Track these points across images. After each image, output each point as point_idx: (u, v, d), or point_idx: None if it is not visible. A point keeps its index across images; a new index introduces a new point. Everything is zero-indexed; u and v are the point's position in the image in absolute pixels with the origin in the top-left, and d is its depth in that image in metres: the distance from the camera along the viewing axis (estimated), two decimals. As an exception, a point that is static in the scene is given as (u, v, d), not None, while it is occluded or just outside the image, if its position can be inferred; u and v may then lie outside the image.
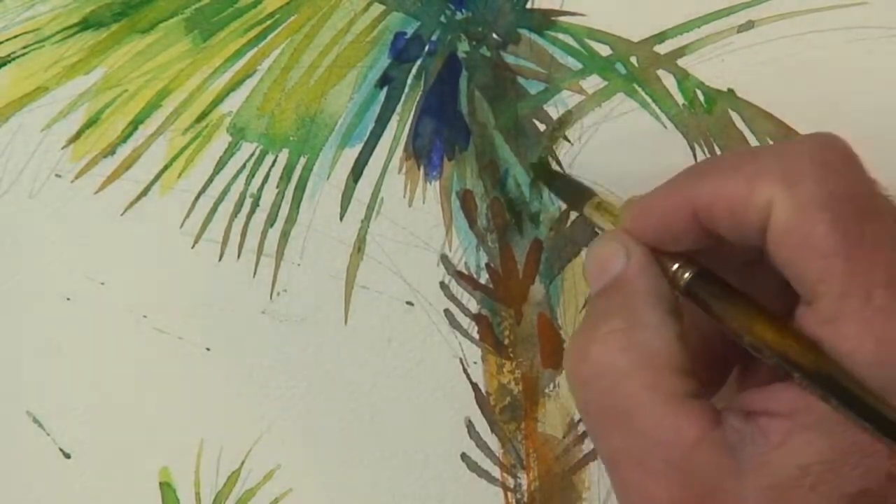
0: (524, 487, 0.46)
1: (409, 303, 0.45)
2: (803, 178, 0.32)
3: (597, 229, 0.39)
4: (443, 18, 0.44)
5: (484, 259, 0.45)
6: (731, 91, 0.44)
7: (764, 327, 0.33)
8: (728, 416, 0.33)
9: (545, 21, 0.44)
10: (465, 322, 0.45)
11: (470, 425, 0.45)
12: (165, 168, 0.44)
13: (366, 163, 0.45)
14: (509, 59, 0.44)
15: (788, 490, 0.32)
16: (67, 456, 0.45)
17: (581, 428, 0.45)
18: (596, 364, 0.34)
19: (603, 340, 0.34)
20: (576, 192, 0.42)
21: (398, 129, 0.45)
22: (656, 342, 0.34)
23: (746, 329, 0.34)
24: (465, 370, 0.45)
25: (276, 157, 0.45)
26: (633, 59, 0.44)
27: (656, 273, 0.36)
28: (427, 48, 0.44)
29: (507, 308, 0.45)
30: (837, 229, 0.32)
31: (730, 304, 0.34)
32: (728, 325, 0.34)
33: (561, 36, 0.44)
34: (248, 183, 0.45)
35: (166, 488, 0.46)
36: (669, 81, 0.44)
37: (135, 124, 0.44)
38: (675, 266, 0.36)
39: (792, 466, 0.32)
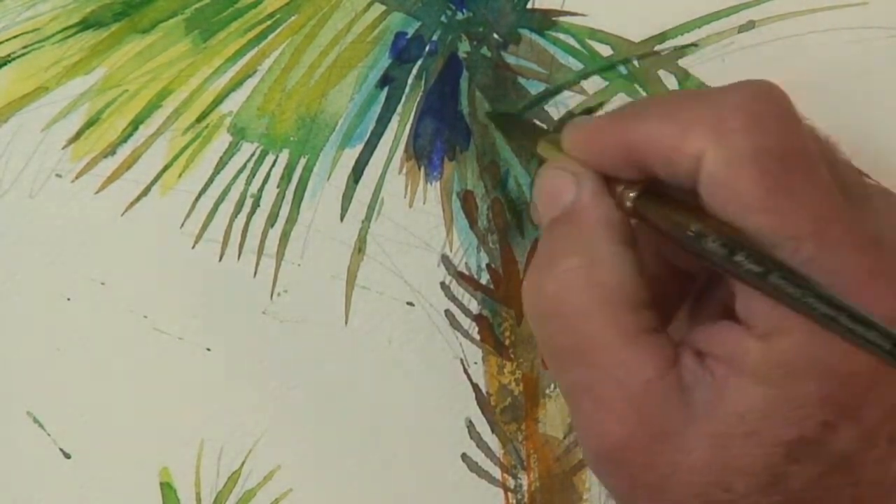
0: (525, 488, 0.46)
1: (409, 303, 0.45)
2: (733, 131, 0.33)
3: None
4: (444, 18, 0.44)
5: (485, 260, 0.45)
6: (731, 91, 0.44)
7: (712, 221, 0.33)
8: (683, 354, 0.34)
9: (546, 21, 0.44)
10: (466, 323, 0.45)
11: (470, 426, 0.45)
12: (166, 168, 0.44)
13: (366, 163, 0.45)
14: (510, 59, 0.44)
15: (727, 439, 0.32)
16: (68, 456, 0.45)
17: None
18: (553, 301, 0.34)
19: (561, 278, 0.34)
20: (529, 132, 0.41)
21: (399, 129, 0.45)
22: (614, 278, 0.34)
23: (695, 221, 0.33)
24: (465, 371, 0.45)
25: (277, 157, 0.44)
26: (634, 60, 0.44)
27: (608, 202, 0.35)
28: (428, 48, 0.44)
29: (508, 309, 0.45)
30: (763, 183, 0.32)
31: (677, 209, 0.34)
32: (677, 226, 0.34)
33: (562, 36, 0.44)
34: (248, 183, 0.45)
35: (167, 488, 0.45)
36: (671, 82, 0.44)
37: (135, 124, 0.44)
38: (621, 188, 0.35)
39: (731, 413, 0.32)
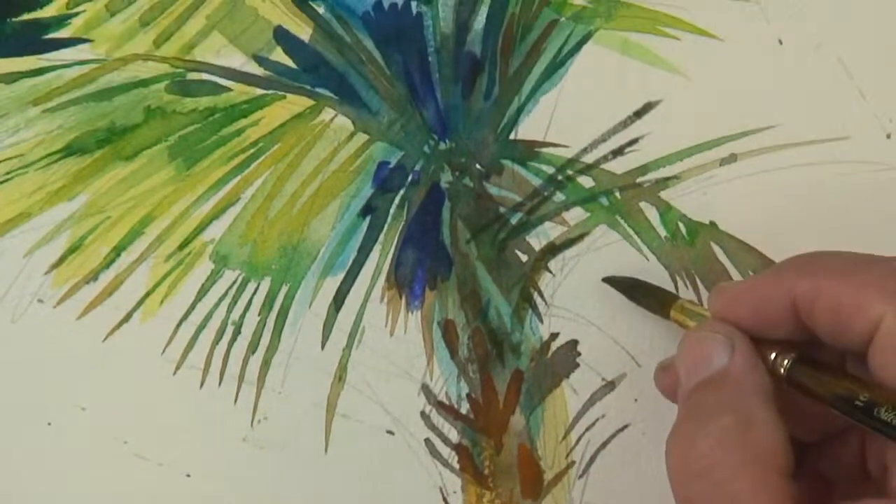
0: None
1: (389, 432, 0.45)
2: None
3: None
4: (426, 149, 0.44)
5: (465, 389, 0.45)
6: (713, 224, 0.44)
7: (881, 389, 0.33)
8: None
9: (528, 152, 0.44)
10: (446, 452, 0.45)
11: (450, 553, 0.45)
12: (147, 294, 0.45)
13: (348, 292, 0.45)
14: (492, 189, 0.45)
15: None
16: (46, 580, 0.45)
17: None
18: (705, 458, 0.34)
19: (714, 436, 0.34)
20: (658, 298, 0.42)
21: (380, 258, 0.45)
22: (769, 441, 0.34)
23: (861, 391, 0.33)
24: (445, 500, 0.45)
25: (259, 284, 0.45)
26: (616, 191, 0.44)
27: (762, 367, 0.35)
28: (410, 178, 0.45)
29: (488, 438, 0.45)
30: None
31: (837, 378, 0.34)
32: (841, 395, 0.34)
33: (544, 167, 0.44)
34: (230, 310, 0.45)
35: None
36: (652, 214, 0.44)
37: (117, 251, 0.44)
38: (774, 354, 0.36)
39: None
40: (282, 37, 0.44)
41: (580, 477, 0.45)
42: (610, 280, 0.44)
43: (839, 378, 0.34)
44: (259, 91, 0.44)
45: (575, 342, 0.45)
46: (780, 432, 0.34)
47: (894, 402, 0.33)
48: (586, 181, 0.44)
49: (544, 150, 0.44)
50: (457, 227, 0.45)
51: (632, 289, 0.44)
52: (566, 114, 0.44)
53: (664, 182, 0.44)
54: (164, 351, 0.45)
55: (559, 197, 0.45)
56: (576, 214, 0.45)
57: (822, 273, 0.35)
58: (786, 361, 0.35)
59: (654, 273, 0.44)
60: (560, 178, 0.44)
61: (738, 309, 0.36)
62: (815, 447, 0.39)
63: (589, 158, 0.44)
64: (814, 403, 0.36)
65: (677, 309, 0.40)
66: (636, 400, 0.45)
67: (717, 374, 0.35)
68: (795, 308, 0.35)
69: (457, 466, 0.45)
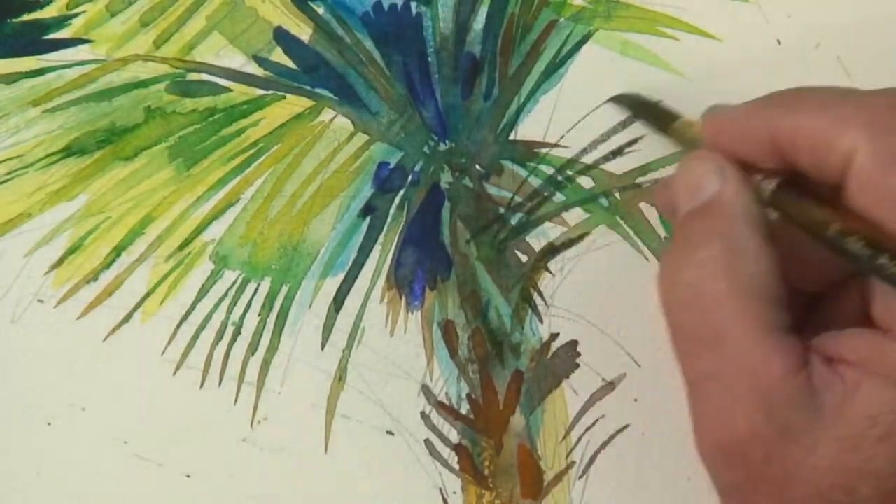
0: None
1: (389, 432, 0.45)
2: (888, 131, 0.33)
3: (681, 150, 0.39)
4: (426, 149, 0.45)
5: (465, 390, 0.45)
6: (713, 224, 0.44)
7: (856, 220, 0.33)
8: (813, 358, 0.33)
9: (528, 152, 0.44)
10: (446, 452, 0.45)
11: (450, 554, 0.45)
12: (148, 295, 0.45)
13: (348, 292, 0.45)
14: (492, 189, 0.45)
15: (858, 441, 0.32)
16: (46, 580, 0.45)
17: (561, 557, 0.45)
18: (691, 287, 0.34)
19: (700, 264, 0.34)
20: (661, 115, 0.41)
21: (380, 258, 0.45)
22: (756, 269, 0.34)
23: (837, 218, 0.33)
24: (444, 500, 0.45)
25: (259, 285, 0.45)
26: (616, 192, 0.44)
27: (752, 196, 0.35)
28: (410, 178, 0.45)
29: (488, 439, 0.45)
30: None
31: (818, 204, 0.34)
32: (817, 223, 0.34)
33: (543, 167, 0.44)
34: (230, 311, 0.45)
35: None
36: (652, 214, 0.44)
37: (118, 251, 0.44)
38: (759, 178, 0.35)
39: (862, 416, 0.32)
40: (282, 37, 0.44)
41: (580, 477, 0.45)
42: (617, 98, 0.43)
43: (816, 206, 0.34)
44: (259, 92, 0.44)
45: (575, 342, 0.45)
46: (768, 260, 0.34)
47: (864, 233, 0.32)
48: (586, 181, 0.44)
49: (544, 150, 0.44)
50: (456, 227, 0.45)
51: (637, 106, 0.43)
52: (566, 114, 0.44)
53: (664, 182, 0.44)
54: (164, 351, 0.45)
55: (559, 197, 0.45)
56: (575, 215, 0.45)
57: (801, 107, 0.34)
58: (770, 185, 0.35)
59: (654, 273, 0.44)
60: (560, 178, 0.44)
61: (725, 138, 0.36)
62: (820, 299, 0.38)
63: (589, 159, 0.44)
64: (812, 250, 0.35)
65: (675, 128, 0.39)
66: (636, 400, 0.45)
67: (707, 202, 0.35)
68: (775, 143, 0.35)
69: (457, 467, 0.45)
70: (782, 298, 0.34)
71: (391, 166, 0.45)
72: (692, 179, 0.36)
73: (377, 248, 0.45)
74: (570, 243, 0.45)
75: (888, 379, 0.32)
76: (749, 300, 0.33)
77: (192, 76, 0.44)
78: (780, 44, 0.44)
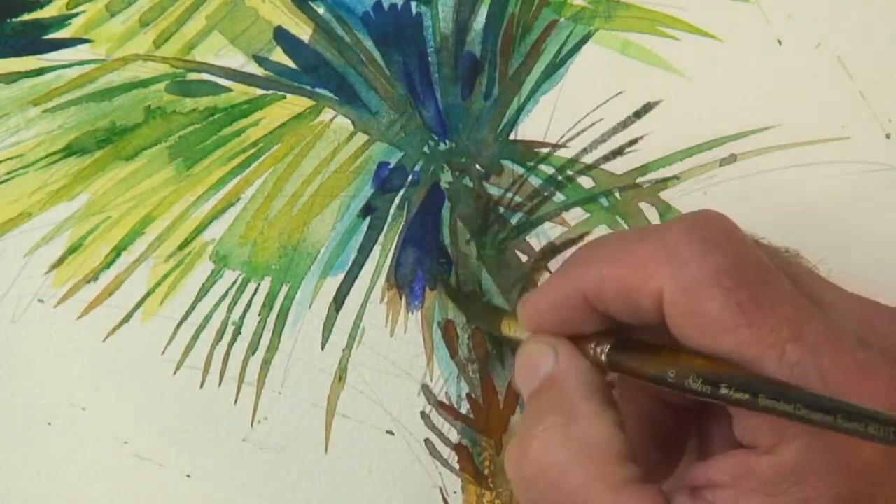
0: None
1: (389, 432, 0.45)
2: (686, 261, 0.33)
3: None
4: (426, 149, 0.45)
5: (465, 389, 0.45)
6: (713, 224, 0.44)
7: (689, 359, 0.33)
8: (676, 497, 0.33)
9: (528, 152, 0.44)
10: (446, 452, 0.45)
11: (450, 554, 0.45)
12: (148, 295, 0.45)
13: (348, 292, 0.45)
14: (492, 189, 0.45)
15: None
16: (46, 580, 0.45)
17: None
18: (536, 461, 0.34)
19: (541, 437, 0.34)
20: (489, 313, 0.42)
21: (380, 258, 0.45)
22: (593, 432, 0.34)
23: (672, 365, 0.33)
24: (444, 500, 0.45)
25: (259, 285, 0.45)
26: (616, 192, 0.44)
27: (583, 363, 0.36)
28: (410, 178, 0.45)
29: (488, 438, 0.45)
30: (729, 302, 0.32)
31: (652, 355, 0.34)
32: (654, 373, 0.34)
33: (544, 167, 0.44)
34: (230, 311, 0.45)
35: None
36: (652, 214, 0.44)
37: (118, 251, 0.44)
38: (593, 345, 0.36)
39: None
40: (282, 37, 0.44)
41: (580, 477, 0.45)
42: (447, 292, 0.44)
43: (653, 356, 0.34)
44: (259, 91, 0.44)
45: (575, 342, 0.45)
46: (606, 421, 0.34)
47: (699, 371, 0.32)
48: (586, 181, 0.45)
49: (544, 150, 0.44)
50: (456, 227, 0.45)
51: (464, 302, 0.44)
52: (566, 114, 0.44)
53: (664, 182, 0.44)
54: (164, 351, 0.45)
55: (559, 197, 0.45)
56: (576, 215, 0.45)
57: (602, 260, 0.35)
58: (603, 350, 0.35)
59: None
60: (560, 178, 0.44)
61: (541, 317, 0.36)
62: (696, 412, 0.38)
63: (589, 158, 0.44)
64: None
65: (507, 323, 0.39)
66: (636, 400, 0.45)
67: (544, 380, 0.36)
68: (588, 301, 0.35)
69: (457, 466, 0.45)
70: (628, 454, 0.34)
71: (391, 166, 0.45)
72: (530, 362, 0.36)
73: (377, 248, 0.45)
74: (570, 243, 0.45)
75: (762, 492, 0.32)
76: (593, 464, 0.33)
77: (192, 76, 0.44)
78: (780, 44, 0.44)
